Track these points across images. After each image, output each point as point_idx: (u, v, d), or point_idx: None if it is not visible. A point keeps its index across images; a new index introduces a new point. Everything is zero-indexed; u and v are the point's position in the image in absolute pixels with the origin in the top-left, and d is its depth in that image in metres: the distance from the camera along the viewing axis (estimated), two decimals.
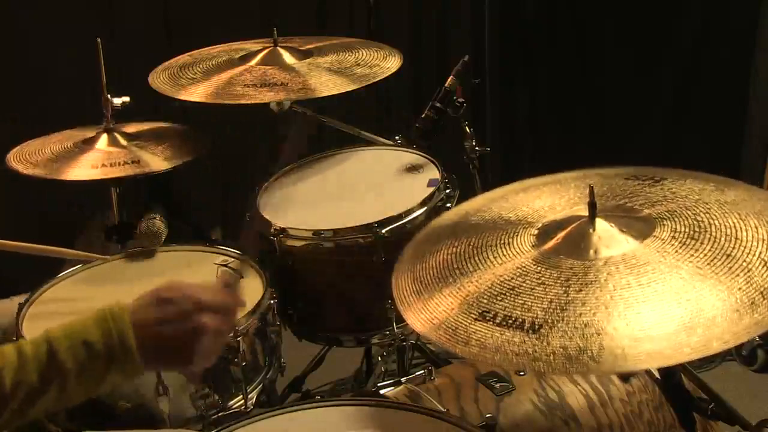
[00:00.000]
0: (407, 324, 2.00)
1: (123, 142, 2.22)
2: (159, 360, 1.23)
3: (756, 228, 1.19)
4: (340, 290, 2.07)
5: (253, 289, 1.91)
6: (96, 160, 2.14)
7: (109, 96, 2.21)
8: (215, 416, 1.77)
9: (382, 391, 1.59)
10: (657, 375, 1.42)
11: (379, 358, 2.25)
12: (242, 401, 1.83)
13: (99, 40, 2.17)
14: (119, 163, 2.13)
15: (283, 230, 2.00)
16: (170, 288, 1.24)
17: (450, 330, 1.16)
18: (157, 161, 2.16)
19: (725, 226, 1.21)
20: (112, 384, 1.21)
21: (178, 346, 1.21)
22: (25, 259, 1.91)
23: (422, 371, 1.63)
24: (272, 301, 1.91)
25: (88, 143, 2.22)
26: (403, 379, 1.62)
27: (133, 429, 1.66)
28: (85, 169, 2.12)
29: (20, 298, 1.90)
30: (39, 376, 1.15)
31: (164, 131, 2.33)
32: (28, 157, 2.17)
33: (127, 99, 2.23)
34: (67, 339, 1.17)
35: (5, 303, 1.93)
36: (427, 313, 1.22)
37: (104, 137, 2.22)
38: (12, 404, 1.15)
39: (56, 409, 1.22)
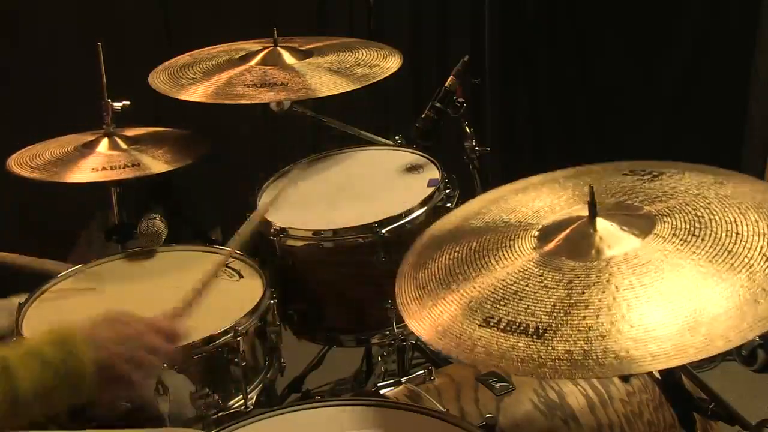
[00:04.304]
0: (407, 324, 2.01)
1: (123, 145, 2.22)
2: (110, 378, 1.26)
3: (756, 222, 1.19)
4: (340, 290, 2.07)
5: (253, 289, 1.91)
6: (96, 164, 2.14)
7: (109, 100, 2.21)
8: (215, 416, 1.77)
9: (382, 391, 1.59)
10: (657, 375, 1.42)
11: (379, 358, 2.25)
12: (242, 401, 1.83)
13: (99, 44, 2.17)
14: (119, 167, 2.13)
15: (283, 230, 2.00)
16: (120, 313, 1.32)
17: (455, 337, 1.16)
18: (157, 164, 2.16)
19: (725, 221, 1.20)
20: (66, 403, 1.23)
21: (129, 363, 1.26)
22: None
23: (422, 371, 1.63)
24: (272, 301, 1.91)
25: (89, 147, 2.21)
26: (403, 379, 1.62)
27: (133, 429, 1.66)
28: (85, 172, 2.12)
29: (20, 298, 1.90)
30: None
31: (164, 135, 2.33)
32: (29, 161, 2.17)
33: (127, 102, 2.23)
34: (22, 357, 1.19)
35: (5, 302, 1.93)
36: (431, 320, 1.21)
37: (105, 141, 2.22)
38: None
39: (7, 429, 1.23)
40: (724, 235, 1.18)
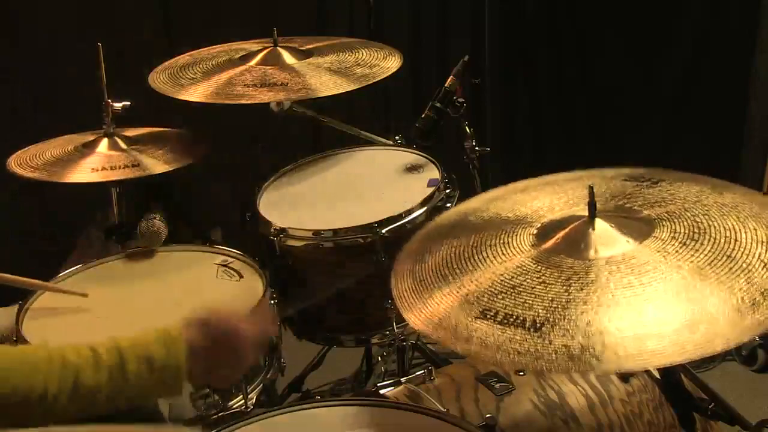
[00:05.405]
0: (407, 324, 2.01)
1: (123, 145, 2.22)
2: (205, 373, 1.37)
3: (755, 230, 1.20)
4: (340, 290, 2.06)
5: (253, 289, 1.91)
6: (96, 164, 2.14)
7: (109, 100, 2.21)
8: (215, 416, 1.77)
9: (382, 391, 1.59)
10: (657, 375, 1.42)
11: (379, 358, 2.25)
12: (242, 401, 1.83)
13: (99, 44, 2.17)
14: (119, 167, 2.13)
15: (283, 230, 2.00)
16: (211, 314, 1.39)
17: (451, 328, 1.16)
18: (157, 165, 2.16)
19: (724, 227, 1.21)
20: (159, 396, 1.37)
21: (222, 359, 1.37)
22: (24, 259, 1.91)
23: (422, 371, 1.63)
24: (272, 301, 1.91)
25: (89, 147, 2.21)
26: (403, 379, 1.62)
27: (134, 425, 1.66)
28: (85, 173, 2.12)
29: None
30: (108, 381, 1.25)
31: (164, 135, 2.33)
32: (29, 161, 2.17)
33: (127, 103, 2.23)
34: (134, 351, 1.28)
35: (6, 310, 1.92)
36: (427, 311, 1.22)
37: (105, 141, 2.22)
38: (74, 405, 1.23)
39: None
40: (723, 240, 1.18)
